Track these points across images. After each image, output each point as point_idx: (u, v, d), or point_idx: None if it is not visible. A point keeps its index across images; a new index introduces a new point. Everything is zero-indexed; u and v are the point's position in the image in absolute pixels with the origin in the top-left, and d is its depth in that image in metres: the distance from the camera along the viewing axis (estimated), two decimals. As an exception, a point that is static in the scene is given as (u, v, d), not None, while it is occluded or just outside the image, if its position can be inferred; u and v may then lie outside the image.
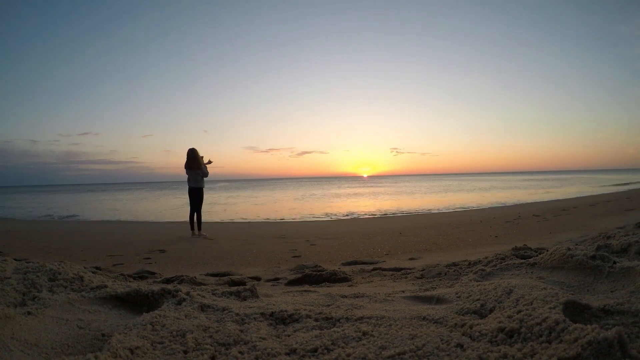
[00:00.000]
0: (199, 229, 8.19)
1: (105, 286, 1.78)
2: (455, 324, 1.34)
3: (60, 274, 1.82)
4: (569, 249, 1.94)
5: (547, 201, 16.97)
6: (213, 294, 1.88)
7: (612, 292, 1.54)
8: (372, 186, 49.70)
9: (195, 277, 2.92)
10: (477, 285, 1.80)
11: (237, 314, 1.52)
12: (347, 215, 15.40)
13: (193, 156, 8.16)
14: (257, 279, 3.23)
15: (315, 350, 1.20)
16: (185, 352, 1.20)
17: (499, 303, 1.48)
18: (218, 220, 13.99)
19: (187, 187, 8.29)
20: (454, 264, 2.86)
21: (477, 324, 1.29)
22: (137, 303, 1.69)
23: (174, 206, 22.62)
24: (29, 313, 1.40)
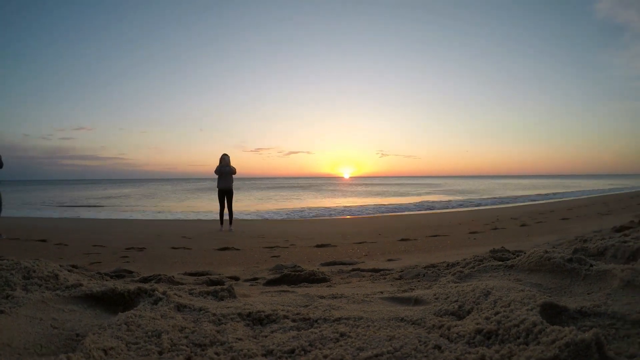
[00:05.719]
0: (230, 223, 9.48)
1: (81, 285, 1.73)
2: (433, 325, 1.35)
3: (35, 272, 1.76)
4: (547, 252, 1.97)
5: (525, 205, 17.34)
6: (190, 294, 1.85)
7: (588, 294, 1.57)
8: (354, 187, 49.88)
9: (173, 276, 2.87)
10: (455, 287, 1.81)
11: (214, 314, 1.50)
12: (327, 215, 15.43)
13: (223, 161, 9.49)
14: (236, 278, 3.20)
15: (293, 351, 1.18)
16: (160, 352, 1.17)
17: (476, 305, 1.49)
18: (198, 218, 13.83)
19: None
20: (433, 266, 2.88)
21: (455, 326, 1.30)
22: (112, 302, 1.64)
23: (162, 204, 22.28)
24: (2, 312, 1.34)
